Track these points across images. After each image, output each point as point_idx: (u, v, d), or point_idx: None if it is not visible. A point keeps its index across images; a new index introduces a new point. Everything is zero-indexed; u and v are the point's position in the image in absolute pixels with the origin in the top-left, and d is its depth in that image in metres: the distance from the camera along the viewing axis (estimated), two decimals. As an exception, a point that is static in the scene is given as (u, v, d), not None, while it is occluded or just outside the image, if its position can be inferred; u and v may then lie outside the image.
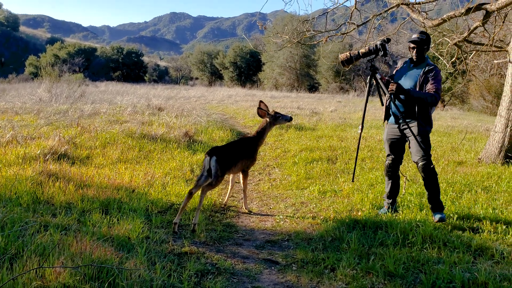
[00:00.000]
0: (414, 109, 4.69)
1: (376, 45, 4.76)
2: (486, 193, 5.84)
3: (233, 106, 20.32)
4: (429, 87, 4.62)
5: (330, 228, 4.50)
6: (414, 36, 4.73)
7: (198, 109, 16.47)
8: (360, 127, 5.07)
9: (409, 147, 4.84)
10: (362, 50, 4.84)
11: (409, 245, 4.05)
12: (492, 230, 4.49)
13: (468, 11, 8.02)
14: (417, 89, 4.67)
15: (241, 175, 5.24)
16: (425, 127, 4.71)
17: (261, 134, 5.26)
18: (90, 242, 3.39)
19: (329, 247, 4.07)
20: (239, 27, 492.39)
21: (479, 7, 8.08)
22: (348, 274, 3.47)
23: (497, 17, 8.57)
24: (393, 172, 5.02)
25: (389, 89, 4.67)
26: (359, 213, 4.99)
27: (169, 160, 7.36)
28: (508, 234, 4.38)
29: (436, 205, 4.71)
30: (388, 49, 4.76)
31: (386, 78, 4.91)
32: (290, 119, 5.38)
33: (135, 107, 14.97)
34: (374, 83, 4.89)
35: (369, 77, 4.90)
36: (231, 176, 5.40)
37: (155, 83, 52.82)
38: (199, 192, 4.63)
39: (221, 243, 4.21)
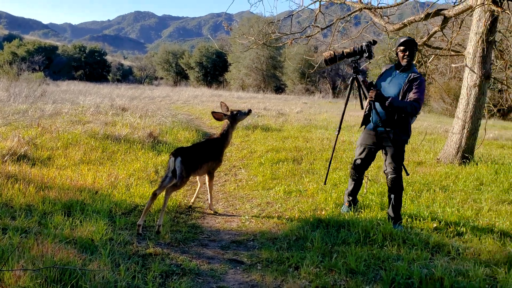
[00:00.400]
0: (394, 117, 4.60)
1: (361, 46, 4.67)
2: (444, 192, 6.09)
3: (199, 107, 20.21)
4: (411, 96, 4.50)
5: (294, 228, 4.58)
6: (404, 38, 4.61)
7: (163, 110, 16.28)
8: (337, 129, 5.09)
9: (383, 155, 4.78)
10: (347, 50, 4.74)
11: (370, 243, 4.17)
12: (448, 227, 4.69)
13: (427, 16, 8.33)
14: (400, 97, 4.56)
15: (206, 177, 5.23)
16: (402, 136, 4.64)
17: (225, 135, 5.25)
18: (52, 245, 3.32)
19: (294, 246, 4.14)
20: (205, 27, 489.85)
21: (437, 13, 8.41)
22: (312, 272, 3.55)
23: (454, 23, 8.92)
24: (359, 175, 5.03)
25: (368, 96, 4.60)
26: (323, 212, 5.09)
27: (133, 161, 7.26)
28: (464, 231, 4.58)
29: (397, 217, 4.71)
30: (373, 51, 4.66)
31: (368, 82, 4.77)
32: (249, 111, 5.39)
33: (98, 107, 14.65)
34: (356, 85, 4.83)
35: (351, 78, 4.84)
36: (197, 176, 5.39)
37: (118, 83, 51.71)
38: (164, 193, 4.61)
39: (186, 244, 4.21)
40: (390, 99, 4.48)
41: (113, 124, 10.73)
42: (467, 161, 7.96)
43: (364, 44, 4.65)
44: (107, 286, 2.90)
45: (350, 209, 5.09)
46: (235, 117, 5.30)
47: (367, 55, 4.63)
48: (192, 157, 4.72)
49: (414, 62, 5.33)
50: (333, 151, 5.30)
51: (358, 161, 4.96)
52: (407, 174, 5.07)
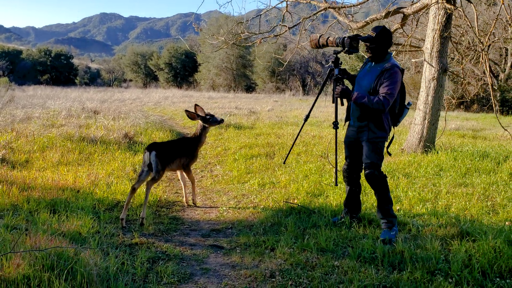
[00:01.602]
0: (368, 112, 4.31)
1: (342, 38, 4.36)
2: (406, 178, 6.55)
3: (171, 108, 20.33)
4: (381, 90, 4.18)
5: (269, 215, 4.92)
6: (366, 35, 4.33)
7: (135, 111, 16.34)
8: (306, 115, 4.85)
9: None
10: (331, 39, 4.47)
11: (339, 225, 4.55)
12: (409, 208, 5.13)
13: (387, 14, 8.83)
14: (372, 91, 4.26)
15: (184, 173, 5.49)
16: (376, 133, 4.31)
17: (199, 136, 5.49)
18: (44, 237, 3.54)
19: (269, 231, 4.48)
20: (173, 28, 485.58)
21: (397, 11, 8.93)
22: (286, 252, 3.89)
23: (413, 20, 9.46)
24: (349, 178, 4.64)
25: (335, 92, 4.41)
26: (295, 201, 5.45)
27: (110, 161, 7.45)
28: (424, 211, 5.03)
29: (386, 220, 4.29)
30: (355, 46, 4.31)
31: (338, 76, 4.50)
32: (221, 121, 5.53)
33: (69, 110, 14.61)
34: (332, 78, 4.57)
35: (329, 69, 4.58)
36: (179, 176, 5.65)
37: (86, 86, 50.94)
38: (143, 188, 4.86)
39: (169, 234, 4.48)
40: (354, 95, 4.24)
41: (87, 126, 10.82)
42: (429, 150, 8.48)
43: (345, 37, 4.34)
44: (100, 271, 3.15)
45: (341, 219, 4.69)
46: (207, 120, 5.44)
47: (345, 49, 4.35)
48: (166, 151, 4.99)
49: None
50: (298, 134, 5.16)
51: (346, 164, 4.64)
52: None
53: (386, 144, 4.53)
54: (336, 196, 5.55)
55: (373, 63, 4.39)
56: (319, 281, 3.33)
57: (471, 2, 7.66)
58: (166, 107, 20.80)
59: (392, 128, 4.51)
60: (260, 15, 10.97)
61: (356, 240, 4.15)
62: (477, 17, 7.62)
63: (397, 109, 4.45)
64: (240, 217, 5.06)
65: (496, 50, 27.44)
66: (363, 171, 4.46)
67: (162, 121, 14.52)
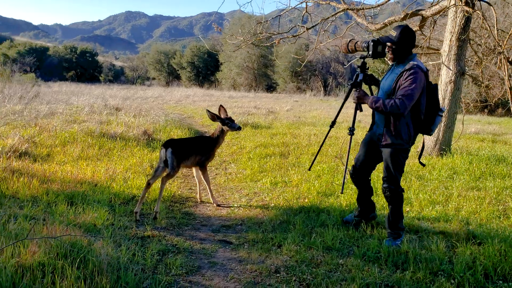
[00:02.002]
0: (387, 118, 4.06)
1: (367, 42, 4.22)
2: (419, 181, 6.55)
3: (191, 106, 20.59)
4: (399, 92, 3.88)
5: (279, 213, 5.02)
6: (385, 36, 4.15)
7: (156, 109, 16.66)
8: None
9: None
10: (359, 43, 4.35)
11: (347, 224, 4.62)
12: (419, 210, 5.15)
13: (406, 16, 8.80)
14: (393, 92, 3.99)
15: (199, 170, 5.60)
16: (393, 140, 4.03)
17: (217, 137, 5.57)
18: (60, 228, 3.72)
19: (278, 228, 4.58)
20: (196, 27, 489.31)
21: (415, 13, 8.89)
22: (293, 249, 3.98)
23: (431, 22, 9.40)
24: (357, 181, 4.50)
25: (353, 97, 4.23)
26: (306, 200, 5.53)
27: (129, 157, 7.65)
28: (434, 214, 5.04)
29: (393, 232, 4.18)
30: (380, 50, 4.13)
31: (357, 81, 4.34)
32: (239, 128, 5.54)
33: (92, 107, 14.99)
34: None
35: (355, 74, 4.41)
36: (194, 174, 5.76)
37: (110, 83, 51.88)
38: (158, 183, 5.01)
39: (180, 228, 4.62)
40: (369, 99, 4.03)
41: (108, 123, 11.10)
42: (444, 153, 8.43)
43: (369, 41, 4.17)
44: (111, 261, 3.30)
45: (354, 219, 4.64)
46: (225, 124, 5.48)
47: (370, 53, 4.17)
48: (182, 148, 5.11)
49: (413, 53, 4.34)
50: (323, 141, 4.91)
51: (352, 167, 4.50)
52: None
53: (417, 154, 4.22)
54: (347, 196, 5.61)
55: (395, 64, 4.15)
56: (322, 278, 3.41)
57: (490, 5, 7.58)
58: (186, 106, 21.08)
59: (417, 136, 4.18)
60: (280, 15, 11.04)
61: (362, 239, 4.21)
62: (497, 20, 7.55)
63: (423, 114, 4.04)
64: (250, 214, 5.17)
65: (523, 53, 26.84)
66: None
67: (181, 119, 14.75)
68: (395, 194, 4.09)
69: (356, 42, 4.38)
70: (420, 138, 7.54)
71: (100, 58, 70.81)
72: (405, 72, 3.90)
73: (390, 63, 4.32)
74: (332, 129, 4.75)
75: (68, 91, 26.88)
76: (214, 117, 5.47)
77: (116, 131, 9.37)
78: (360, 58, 4.38)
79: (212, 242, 4.27)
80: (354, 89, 4.29)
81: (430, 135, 4.16)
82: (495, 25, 7.45)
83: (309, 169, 5.25)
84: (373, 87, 4.56)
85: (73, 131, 9.15)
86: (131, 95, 26.89)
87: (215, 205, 5.54)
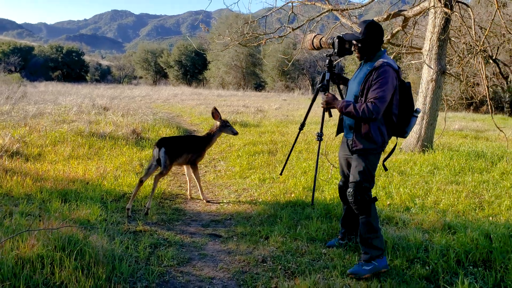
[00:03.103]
0: (358, 121, 3.64)
1: (331, 38, 3.86)
2: (400, 176, 6.81)
3: (179, 105, 20.69)
4: (369, 95, 3.48)
5: (266, 208, 5.22)
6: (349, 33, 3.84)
7: (144, 108, 16.76)
8: (300, 125, 4.40)
9: None
10: (324, 39, 4.00)
11: (330, 217, 4.84)
12: (400, 203, 5.40)
13: (388, 16, 9.07)
14: (361, 95, 3.58)
15: (190, 168, 5.78)
16: (364, 144, 3.60)
17: (211, 136, 5.77)
18: (56, 223, 3.88)
19: (265, 222, 4.78)
20: (183, 25, 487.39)
21: (397, 14, 9.17)
22: (279, 240, 4.19)
23: (413, 23, 9.69)
24: (344, 197, 4.07)
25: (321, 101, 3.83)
26: (292, 195, 5.75)
27: (118, 155, 7.79)
28: (412, 206, 5.29)
29: (368, 253, 3.58)
30: (337, 47, 3.78)
31: (324, 84, 3.94)
32: (236, 133, 5.86)
33: (80, 107, 15.05)
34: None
35: (322, 73, 4.05)
36: (185, 171, 5.94)
37: (97, 83, 51.55)
38: (150, 181, 5.19)
39: (171, 223, 4.81)
40: (339, 104, 3.60)
41: (97, 122, 11.20)
42: (426, 149, 8.72)
43: (336, 37, 3.80)
44: (106, 253, 3.48)
45: (336, 243, 4.14)
46: (225, 125, 5.75)
47: (336, 50, 3.83)
48: (174, 147, 5.29)
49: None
50: (293, 146, 4.74)
51: (341, 180, 4.06)
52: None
53: (384, 156, 3.91)
54: (331, 191, 5.84)
55: (363, 62, 3.74)
56: (306, 266, 3.63)
57: (468, 6, 7.88)
58: (174, 104, 21.17)
59: (390, 138, 3.78)
60: (267, 16, 11.24)
61: (345, 231, 4.43)
62: (475, 20, 7.84)
63: (395, 116, 3.63)
64: (239, 209, 5.36)
65: (507, 51, 27.35)
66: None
67: (169, 118, 14.87)
68: (361, 202, 3.58)
69: (321, 38, 4.01)
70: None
71: (86, 58, 70.30)
72: (374, 72, 3.48)
73: (358, 61, 3.88)
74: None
75: (54, 91, 26.77)
76: (217, 117, 5.66)
77: (105, 130, 9.50)
78: (326, 56, 3.97)
79: (202, 235, 4.46)
80: (321, 92, 3.88)
81: (405, 137, 3.82)
82: (473, 26, 7.75)
83: (281, 174, 4.75)
84: (342, 86, 4.22)
85: (63, 131, 9.26)
86: (118, 94, 26.87)
87: (205, 201, 5.72)
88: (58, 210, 4.52)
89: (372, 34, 3.59)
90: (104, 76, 67.25)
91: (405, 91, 3.66)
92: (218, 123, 5.76)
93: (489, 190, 6.02)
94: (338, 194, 5.46)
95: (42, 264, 3.15)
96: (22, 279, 2.86)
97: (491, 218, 4.93)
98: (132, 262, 3.55)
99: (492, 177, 6.77)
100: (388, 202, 5.43)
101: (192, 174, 5.78)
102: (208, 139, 5.75)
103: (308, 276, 3.39)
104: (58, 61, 59.91)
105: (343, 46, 3.80)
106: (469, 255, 3.74)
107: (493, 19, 7.72)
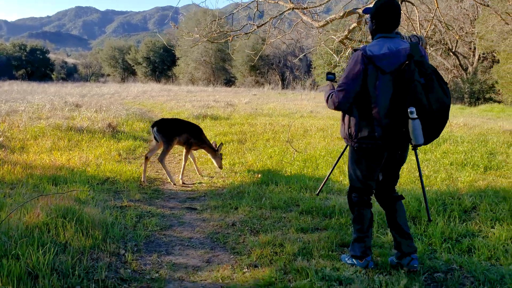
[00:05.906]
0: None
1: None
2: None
3: (150, 101, 21.11)
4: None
5: (236, 186, 5.95)
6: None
7: (116, 105, 17.14)
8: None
9: None
10: None
11: (291, 191, 5.61)
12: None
13: (344, 14, 9.90)
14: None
15: (184, 150, 6.67)
16: (340, 133, 3.40)
17: (210, 144, 6.88)
18: (53, 198, 4.48)
19: (235, 196, 5.51)
20: (151, 21, 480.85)
21: (352, 12, 10.01)
22: (246, 210, 4.92)
23: (365, 20, 10.57)
24: (378, 199, 3.60)
25: None
26: (259, 175, 6.49)
27: (97, 147, 8.35)
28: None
29: (353, 250, 3.43)
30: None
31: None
32: (220, 168, 6.88)
33: (53, 104, 15.35)
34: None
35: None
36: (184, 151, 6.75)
37: (64, 81, 50.90)
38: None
39: (152, 200, 5.47)
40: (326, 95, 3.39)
41: (72, 118, 11.64)
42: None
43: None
44: (100, 220, 4.12)
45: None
46: (220, 156, 6.89)
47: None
48: (169, 126, 6.31)
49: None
50: (336, 163, 3.92)
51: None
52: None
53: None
54: (293, 170, 6.62)
55: None
56: (268, 226, 4.38)
57: (413, 4, 8.78)
58: (144, 101, 21.56)
59: (385, 135, 3.13)
60: (233, 13, 11.88)
61: (303, 200, 5.20)
62: (419, 16, 8.75)
63: (378, 109, 3.09)
64: (212, 188, 6.07)
65: (466, 44, 28.84)
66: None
67: (142, 113, 15.34)
68: (349, 202, 3.49)
69: None
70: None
71: (51, 56, 68.99)
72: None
73: None
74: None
75: (20, 90, 26.67)
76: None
77: (82, 125, 9.99)
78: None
79: (180, 209, 5.14)
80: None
81: (413, 144, 3.09)
82: (418, 22, 8.66)
83: (317, 194, 4.27)
84: None
85: (41, 126, 9.70)
86: (87, 92, 26.99)
87: (180, 182, 6.41)
88: (52, 190, 5.11)
89: (375, 13, 3.19)
90: (71, 74, 66.29)
91: (385, 82, 3.08)
92: (219, 153, 6.84)
93: (429, 167, 6.93)
94: (298, 170, 6.29)
95: (48, 229, 3.77)
96: (36, 237, 3.47)
97: (427, 188, 5.80)
98: (122, 228, 4.21)
99: (434, 157, 7.70)
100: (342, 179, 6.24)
101: (194, 153, 6.92)
102: (209, 143, 6.83)
103: (270, 233, 4.14)
104: (21, 60, 58.61)
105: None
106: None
107: (433, 16, 8.65)
